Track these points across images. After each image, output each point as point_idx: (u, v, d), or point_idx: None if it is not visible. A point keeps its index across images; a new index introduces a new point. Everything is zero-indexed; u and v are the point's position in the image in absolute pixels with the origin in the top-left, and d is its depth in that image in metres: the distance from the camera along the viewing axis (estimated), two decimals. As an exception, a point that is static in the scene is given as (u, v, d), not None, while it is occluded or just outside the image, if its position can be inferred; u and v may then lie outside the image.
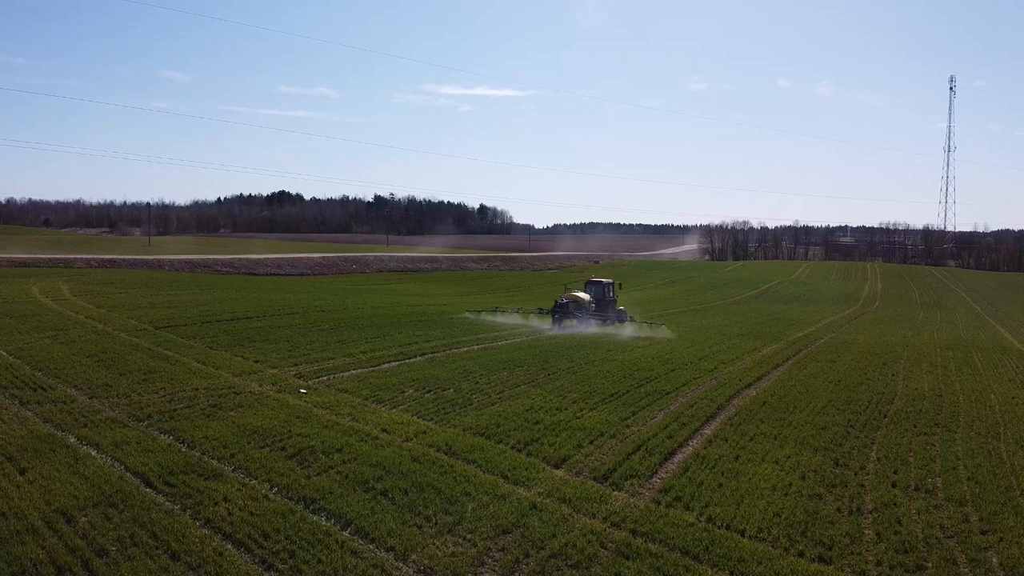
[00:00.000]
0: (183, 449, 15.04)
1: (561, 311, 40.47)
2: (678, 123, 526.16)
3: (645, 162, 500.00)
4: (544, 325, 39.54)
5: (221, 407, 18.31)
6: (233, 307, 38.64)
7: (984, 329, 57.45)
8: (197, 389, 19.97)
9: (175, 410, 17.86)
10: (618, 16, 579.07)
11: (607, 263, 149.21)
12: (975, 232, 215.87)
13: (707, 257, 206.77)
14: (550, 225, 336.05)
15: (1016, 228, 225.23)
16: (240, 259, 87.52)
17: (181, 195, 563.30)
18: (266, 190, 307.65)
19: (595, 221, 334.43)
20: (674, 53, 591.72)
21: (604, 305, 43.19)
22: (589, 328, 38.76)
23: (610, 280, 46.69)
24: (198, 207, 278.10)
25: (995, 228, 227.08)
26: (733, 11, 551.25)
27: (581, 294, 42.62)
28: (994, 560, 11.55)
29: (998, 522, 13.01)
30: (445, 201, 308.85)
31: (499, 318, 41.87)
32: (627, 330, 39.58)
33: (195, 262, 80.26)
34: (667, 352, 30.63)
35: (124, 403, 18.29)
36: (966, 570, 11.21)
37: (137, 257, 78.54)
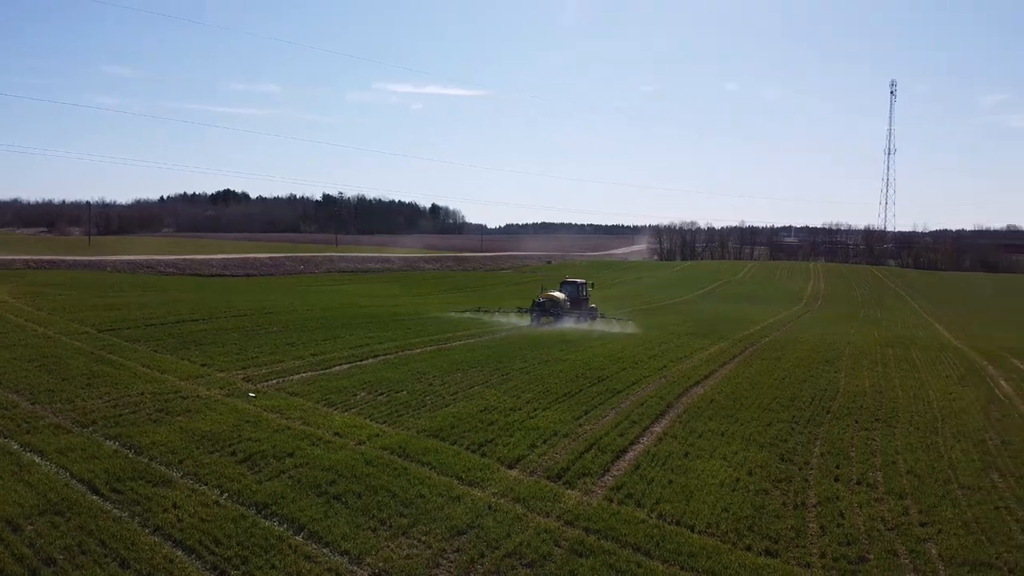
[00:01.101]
0: (130, 455, 14.74)
1: (539, 309, 43.93)
2: (629, 125, 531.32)
3: (596, 163, 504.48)
4: (523, 322, 42.88)
5: (168, 412, 17.97)
6: (178, 309, 37.86)
7: (922, 327, 59.42)
8: (143, 394, 19.56)
9: (121, 415, 17.46)
10: (570, 19, 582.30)
11: (560, 263, 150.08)
12: (914, 232, 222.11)
13: (656, 257, 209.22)
14: (502, 225, 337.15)
15: (953, 228, 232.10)
16: (185, 259, 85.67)
17: (122, 194, 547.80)
18: (210, 188, 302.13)
19: (547, 221, 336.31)
20: (625, 57, 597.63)
21: (578, 303, 46.55)
22: (565, 325, 41.78)
23: (583, 280, 50.79)
24: (140, 206, 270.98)
25: (933, 228, 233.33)
26: (682, 16, 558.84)
27: (557, 293, 45.91)
28: (933, 551, 12.00)
29: (937, 514, 13.51)
30: (396, 200, 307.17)
31: (484, 317, 45.10)
32: (599, 326, 43.23)
33: (138, 263, 78.37)
34: (619, 351, 31.01)
35: (68, 409, 17.82)
36: (906, 561, 11.63)
37: (78, 258, 76.36)
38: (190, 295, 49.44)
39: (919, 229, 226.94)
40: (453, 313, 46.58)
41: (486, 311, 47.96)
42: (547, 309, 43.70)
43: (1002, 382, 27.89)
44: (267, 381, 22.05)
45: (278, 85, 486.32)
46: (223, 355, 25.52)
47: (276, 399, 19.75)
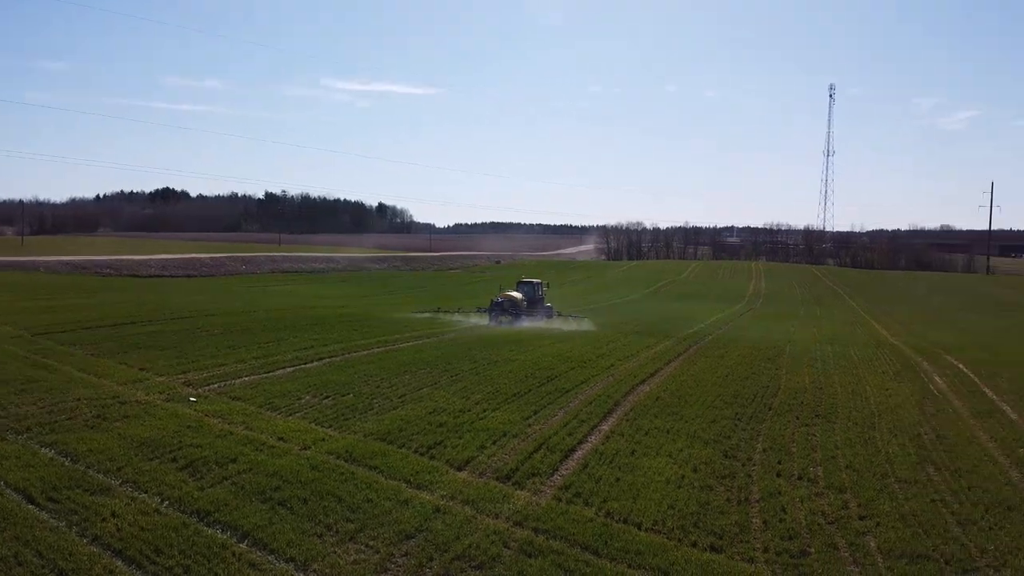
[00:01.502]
0: (66, 463, 14.27)
1: (497, 309, 45.27)
2: (579, 126, 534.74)
3: (546, 163, 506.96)
4: (483, 322, 43.82)
5: (106, 418, 17.45)
6: (116, 311, 36.84)
7: (860, 324, 61.05)
8: (80, 399, 18.94)
9: (56, 422, 16.89)
10: (519, 21, 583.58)
11: (509, 263, 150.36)
12: (852, 232, 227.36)
13: (603, 257, 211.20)
14: (451, 224, 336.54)
15: (889, 228, 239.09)
16: (122, 260, 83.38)
17: (57, 192, 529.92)
18: (149, 187, 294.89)
19: (497, 221, 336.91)
20: (575, 59, 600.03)
21: (534, 302, 47.87)
22: (522, 324, 43.09)
23: (539, 280, 52.23)
24: (75, 205, 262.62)
25: (870, 228, 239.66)
26: (629, 18, 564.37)
27: (514, 293, 47.24)
28: (872, 544, 12.32)
29: (875, 508, 13.88)
30: (341, 199, 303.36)
31: (443, 317, 46.32)
32: (556, 324, 44.79)
33: (74, 263, 76.02)
34: (567, 351, 31.20)
35: (1, 415, 17.15)
36: (846, 554, 11.92)
37: (10, 259, 73.70)
38: (128, 296, 48.16)
39: (856, 229, 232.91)
40: (414, 314, 46.75)
41: (446, 311, 49.04)
42: (506, 309, 45.14)
43: (936, 378, 28.85)
44: (208, 385, 21.57)
45: (219, 81, 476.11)
46: (162, 359, 24.89)
47: (218, 404, 19.33)
